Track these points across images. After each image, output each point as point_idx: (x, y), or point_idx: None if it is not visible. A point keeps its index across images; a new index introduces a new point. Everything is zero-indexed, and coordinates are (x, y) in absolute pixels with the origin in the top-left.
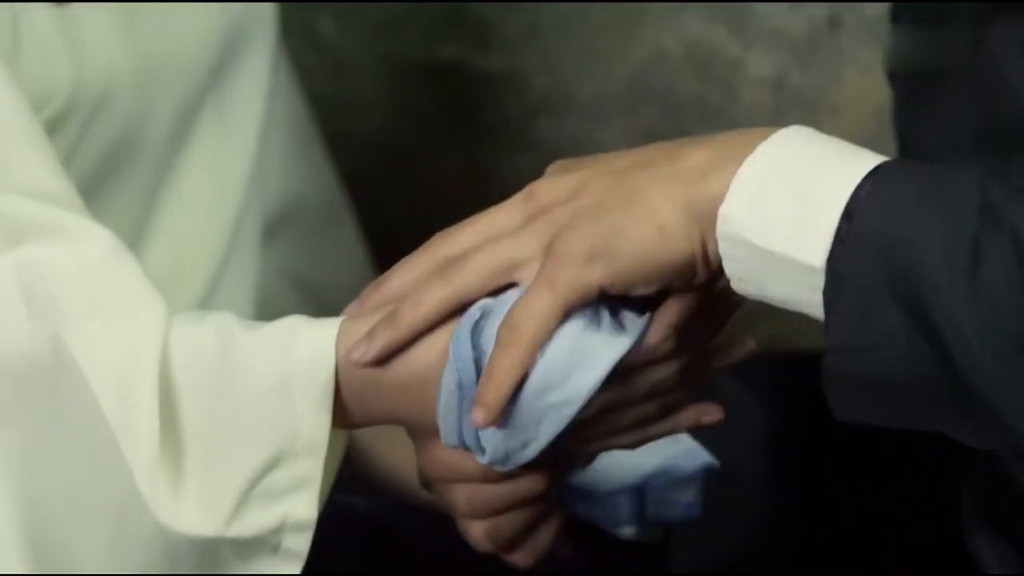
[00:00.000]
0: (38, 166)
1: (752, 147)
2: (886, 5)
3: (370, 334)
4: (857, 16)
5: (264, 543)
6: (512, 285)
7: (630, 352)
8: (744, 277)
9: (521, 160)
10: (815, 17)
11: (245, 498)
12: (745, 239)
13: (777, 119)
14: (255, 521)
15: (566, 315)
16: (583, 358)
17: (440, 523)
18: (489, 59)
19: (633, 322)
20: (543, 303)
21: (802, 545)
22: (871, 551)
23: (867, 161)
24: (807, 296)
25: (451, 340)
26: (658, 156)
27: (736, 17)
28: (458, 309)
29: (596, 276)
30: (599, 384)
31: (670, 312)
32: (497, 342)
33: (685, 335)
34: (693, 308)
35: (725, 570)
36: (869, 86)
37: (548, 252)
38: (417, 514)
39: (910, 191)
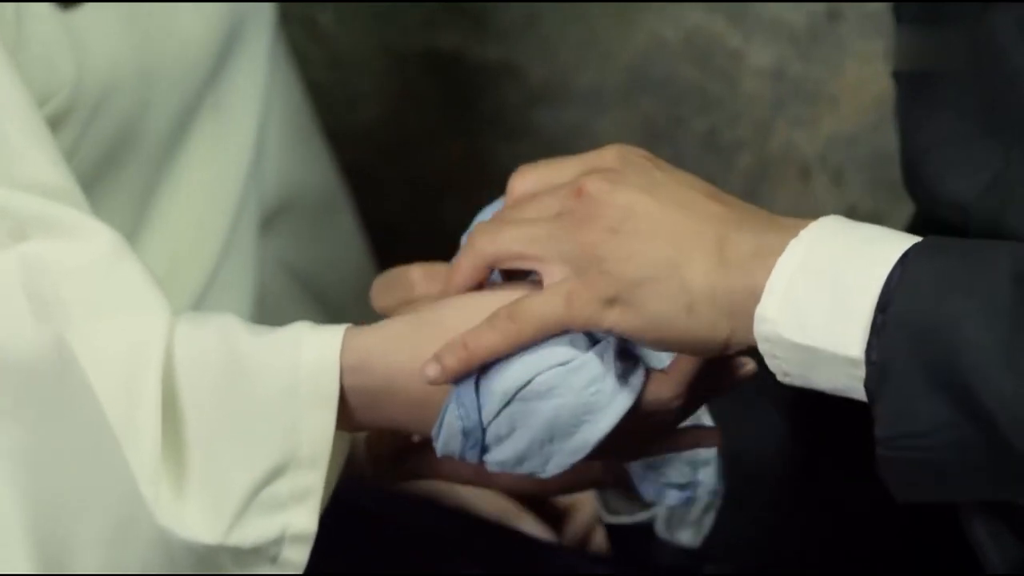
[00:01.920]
0: (43, 161)
1: (789, 239)
2: None
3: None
4: (857, 7)
5: (263, 553)
6: None
7: (634, 404)
8: (789, 372)
9: (520, 149)
10: (815, 8)
11: (247, 506)
12: (783, 337)
13: (777, 110)
14: (255, 531)
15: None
16: (591, 415)
17: (430, 506)
18: (488, 49)
19: (636, 374)
20: (553, 312)
21: (809, 536)
22: (870, 535)
23: (896, 246)
24: (852, 384)
25: (453, 393)
26: (714, 215)
27: (736, 7)
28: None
29: (610, 320)
30: (605, 435)
31: (685, 370)
32: (488, 320)
33: (696, 385)
34: (708, 366)
35: (752, 564)
36: (869, 76)
37: (579, 270)
38: (405, 498)
39: (941, 273)
